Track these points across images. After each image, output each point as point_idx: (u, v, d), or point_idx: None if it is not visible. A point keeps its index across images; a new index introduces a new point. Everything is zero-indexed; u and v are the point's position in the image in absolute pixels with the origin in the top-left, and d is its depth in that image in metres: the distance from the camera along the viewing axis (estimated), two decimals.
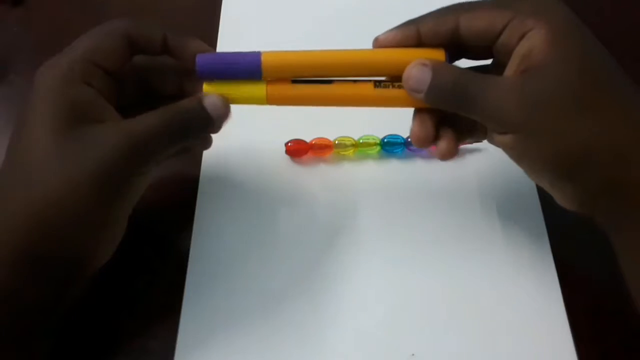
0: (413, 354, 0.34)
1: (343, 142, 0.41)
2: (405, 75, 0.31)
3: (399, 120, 0.41)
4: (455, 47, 0.31)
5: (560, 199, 0.30)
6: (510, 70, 0.29)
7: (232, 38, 0.47)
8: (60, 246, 0.29)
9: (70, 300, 0.31)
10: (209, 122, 0.32)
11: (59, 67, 0.30)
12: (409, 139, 0.41)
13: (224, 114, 0.32)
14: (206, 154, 0.42)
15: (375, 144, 0.41)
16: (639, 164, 0.28)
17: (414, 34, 0.31)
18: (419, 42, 0.31)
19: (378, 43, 0.32)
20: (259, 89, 0.32)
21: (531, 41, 0.28)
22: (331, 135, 0.41)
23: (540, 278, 0.36)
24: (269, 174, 0.41)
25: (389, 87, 0.32)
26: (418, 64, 0.30)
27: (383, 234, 0.38)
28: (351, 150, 0.41)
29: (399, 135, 0.41)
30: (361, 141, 0.41)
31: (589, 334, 0.32)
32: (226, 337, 0.35)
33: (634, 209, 0.28)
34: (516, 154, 0.30)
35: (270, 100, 0.32)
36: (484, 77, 0.29)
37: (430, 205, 0.39)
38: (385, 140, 0.41)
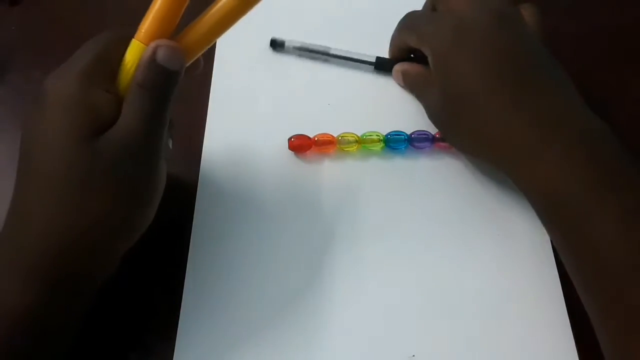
0: (413, 355, 0.34)
1: (346, 138, 0.40)
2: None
3: (403, 117, 0.42)
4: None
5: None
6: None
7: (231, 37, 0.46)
8: (90, 262, 0.29)
9: (84, 315, 0.31)
10: (175, 77, 0.30)
11: (73, 74, 0.28)
12: (413, 135, 0.40)
13: (182, 61, 0.30)
14: (206, 150, 0.41)
15: (379, 141, 0.40)
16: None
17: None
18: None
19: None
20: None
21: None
22: (334, 131, 0.41)
23: (541, 278, 0.36)
24: (271, 170, 0.40)
25: None
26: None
27: (386, 232, 0.38)
28: (354, 147, 0.41)
29: (402, 132, 0.41)
30: (364, 137, 0.40)
31: (590, 334, 0.32)
32: (225, 338, 0.35)
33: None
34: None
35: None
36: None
37: (433, 202, 0.39)
38: (389, 136, 0.40)
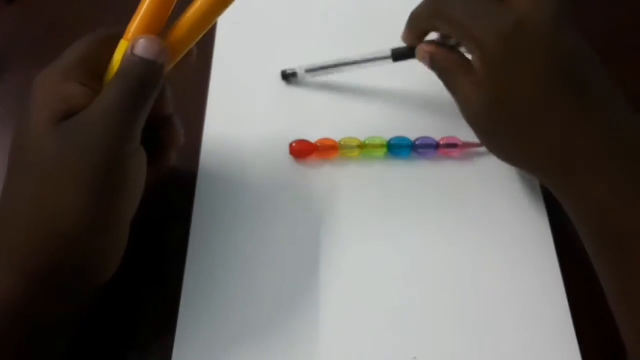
0: (415, 357, 0.34)
1: (349, 143, 0.40)
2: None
3: (406, 122, 0.42)
4: None
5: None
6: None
7: (230, 37, 0.47)
8: (71, 253, 0.29)
9: (81, 313, 0.31)
10: (153, 67, 0.30)
11: (53, 70, 0.30)
12: (417, 142, 0.40)
13: (159, 51, 0.30)
14: (205, 154, 0.41)
15: (382, 146, 0.40)
16: None
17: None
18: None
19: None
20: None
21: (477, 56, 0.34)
22: (336, 136, 0.40)
23: (544, 280, 0.36)
24: (272, 175, 0.40)
25: None
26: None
27: (388, 237, 0.38)
28: (357, 152, 0.40)
29: (405, 137, 0.40)
30: (367, 142, 0.40)
31: (592, 335, 0.32)
32: (224, 337, 0.34)
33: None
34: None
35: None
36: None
37: (436, 208, 0.39)
38: (392, 142, 0.40)
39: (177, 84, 0.35)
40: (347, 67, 0.42)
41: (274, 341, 0.34)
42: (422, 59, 0.38)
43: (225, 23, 0.47)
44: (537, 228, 0.38)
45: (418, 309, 0.35)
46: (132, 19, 0.31)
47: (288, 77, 0.43)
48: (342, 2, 0.48)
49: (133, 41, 0.30)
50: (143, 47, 0.30)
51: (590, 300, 0.35)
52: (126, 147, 0.29)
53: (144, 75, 0.30)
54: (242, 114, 0.43)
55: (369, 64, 0.41)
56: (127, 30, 0.31)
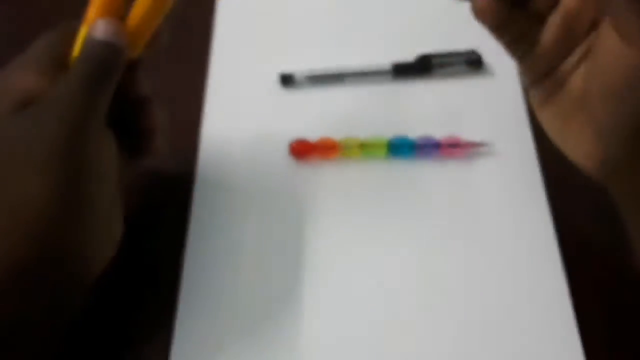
0: (416, 355, 0.34)
1: (349, 142, 0.40)
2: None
3: (407, 121, 0.41)
4: None
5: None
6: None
7: (228, 38, 0.46)
8: (43, 242, 0.27)
9: (72, 311, 0.30)
10: (113, 49, 0.30)
11: (15, 64, 0.30)
12: (418, 141, 0.40)
13: (116, 32, 0.31)
14: (204, 154, 0.40)
15: (383, 146, 0.39)
16: None
17: None
18: None
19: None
20: None
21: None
22: (337, 136, 0.40)
23: (547, 280, 0.36)
24: (272, 175, 0.40)
25: None
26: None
27: (388, 237, 0.37)
28: (357, 152, 0.40)
29: (407, 137, 0.40)
30: (368, 142, 0.40)
31: (597, 335, 0.32)
32: (222, 338, 0.34)
33: None
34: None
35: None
36: None
37: (437, 208, 0.38)
38: (393, 141, 0.40)
39: (175, 85, 0.34)
40: (345, 80, 0.42)
41: (271, 340, 0.34)
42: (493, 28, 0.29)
43: (223, 25, 0.47)
44: (541, 228, 0.37)
45: (419, 309, 0.35)
46: (90, 3, 0.31)
47: (287, 80, 0.43)
48: (342, 4, 0.48)
49: (91, 25, 0.30)
50: (101, 29, 0.30)
51: (595, 301, 0.35)
52: (90, 128, 0.29)
53: (104, 57, 0.30)
54: (241, 115, 0.42)
55: (368, 78, 0.42)
56: (85, 17, 0.31)
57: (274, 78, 0.43)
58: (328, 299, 0.35)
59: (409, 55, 0.43)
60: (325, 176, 0.40)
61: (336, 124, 0.41)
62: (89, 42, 0.30)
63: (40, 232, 0.27)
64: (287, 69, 0.43)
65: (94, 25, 0.30)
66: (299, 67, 0.43)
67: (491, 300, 0.35)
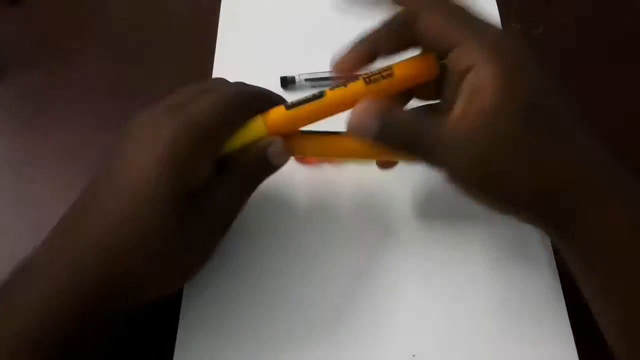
0: (414, 355, 0.34)
1: None
2: (349, 124, 0.30)
3: None
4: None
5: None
6: (458, 109, 0.29)
7: (230, 42, 0.47)
8: (134, 278, 0.29)
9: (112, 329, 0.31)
10: (272, 169, 0.32)
11: (189, 125, 0.29)
12: None
13: (284, 157, 0.32)
14: None
15: None
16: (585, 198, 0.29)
17: (367, 51, 0.31)
18: (374, 55, 0.31)
19: (338, 69, 0.31)
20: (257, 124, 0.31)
21: (479, 79, 0.28)
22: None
23: (541, 279, 0.36)
24: (271, 175, 0.40)
25: (379, 80, 0.31)
26: (362, 110, 0.30)
27: (387, 234, 0.38)
28: None
29: None
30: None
31: (590, 335, 0.32)
32: (225, 340, 0.34)
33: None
34: (464, 192, 0.30)
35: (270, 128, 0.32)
36: (435, 126, 0.29)
37: (438, 207, 0.39)
38: None
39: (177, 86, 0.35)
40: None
41: (274, 341, 0.34)
42: (361, 131, 0.30)
43: (226, 28, 0.47)
44: (535, 228, 0.37)
45: (417, 307, 0.35)
46: (276, 108, 0.31)
47: (287, 83, 0.44)
48: (343, 8, 0.48)
49: (270, 141, 0.31)
50: (276, 154, 0.31)
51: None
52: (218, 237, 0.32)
53: (264, 175, 0.32)
54: None
55: None
56: (270, 111, 0.31)
57: (275, 81, 0.44)
58: (328, 297, 0.36)
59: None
60: (325, 176, 0.40)
61: (336, 121, 0.41)
62: (258, 155, 0.31)
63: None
64: (288, 71, 0.44)
65: (275, 143, 0.31)
66: (299, 69, 0.44)
67: (487, 298, 0.36)
